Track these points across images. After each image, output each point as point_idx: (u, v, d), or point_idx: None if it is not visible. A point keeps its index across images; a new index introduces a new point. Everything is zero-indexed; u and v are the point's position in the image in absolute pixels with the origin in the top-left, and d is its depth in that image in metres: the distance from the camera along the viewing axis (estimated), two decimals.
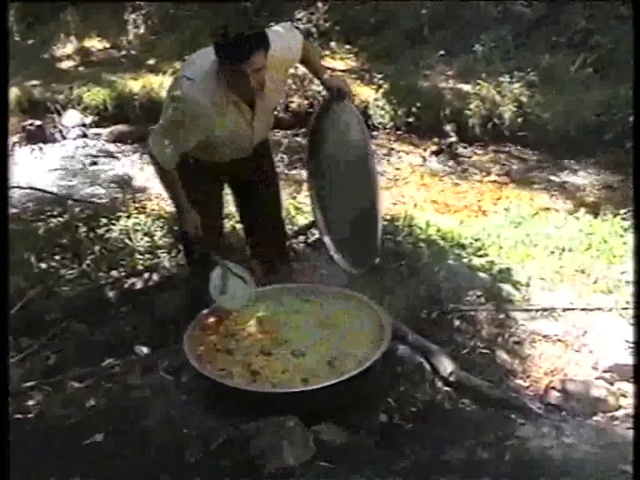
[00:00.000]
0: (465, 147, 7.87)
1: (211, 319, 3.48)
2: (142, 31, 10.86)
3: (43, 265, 4.76)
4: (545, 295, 4.12)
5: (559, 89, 8.00)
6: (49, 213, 5.79)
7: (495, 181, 7.16)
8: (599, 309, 3.93)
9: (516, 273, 4.34)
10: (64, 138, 8.57)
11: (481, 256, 4.60)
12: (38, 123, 8.45)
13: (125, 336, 3.93)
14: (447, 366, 3.35)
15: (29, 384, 3.46)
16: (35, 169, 7.56)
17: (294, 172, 7.13)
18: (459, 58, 8.93)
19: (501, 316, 3.90)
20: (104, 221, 5.33)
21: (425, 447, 2.85)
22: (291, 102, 8.43)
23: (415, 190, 6.94)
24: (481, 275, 4.32)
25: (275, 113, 4.44)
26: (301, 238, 4.93)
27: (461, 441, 2.87)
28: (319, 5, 10.11)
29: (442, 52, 9.11)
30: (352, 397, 3.07)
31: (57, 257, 4.87)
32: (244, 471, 2.69)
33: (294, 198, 5.93)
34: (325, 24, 9.95)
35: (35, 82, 9.41)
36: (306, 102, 8.42)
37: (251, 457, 2.74)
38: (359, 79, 8.78)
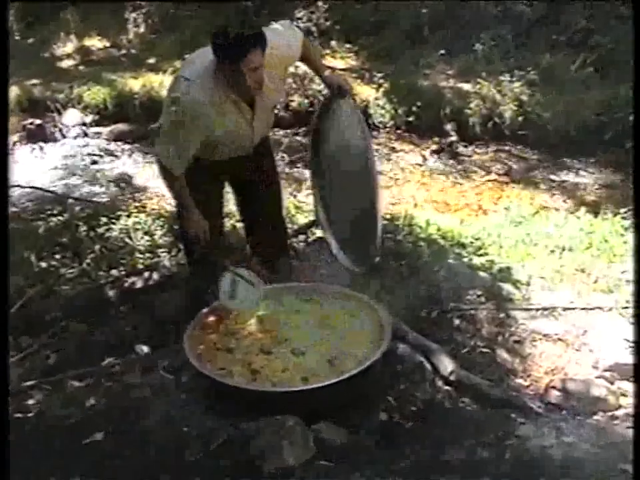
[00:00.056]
0: (465, 146, 7.87)
1: (211, 318, 3.48)
2: (142, 30, 10.86)
3: (43, 264, 4.76)
4: (545, 294, 4.12)
5: (559, 89, 7.99)
6: (49, 212, 5.79)
7: (495, 180, 7.15)
8: (599, 308, 3.92)
9: (516, 272, 4.34)
10: (64, 137, 8.57)
11: (481, 255, 4.59)
12: (38, 122, 8.46)
13: (124, 335, 3.93)
14: (447, 365, 3.35)
15: (28, 383, 3.46)
16: (35, 168, 7.56)
17: (294, 171, 7.14)
18: (459, 57, 8.93)
19: (501, 315, 3.90)
20: (104, 219, 5.33)
21: (425, 447, 2.85)
22: (292, 101, 8.43)
23: (415, 189, 6.94)
24: (481, 274, 4.31)
25: (275, 111, 4.44)
26: (301, 237, 4.93)
27: (461, 441, 2.87)
28: (319, 4, 10.11)
29: (442, 51, 9.11)
30: (352, 396, 3.07)
31: (57, 256, 4.87)
32: (244, 471, 2.69)
33: (294, 197, 5.93)
34: (325, 23, 9.95)
35: (35, 81, 9.40)
36: (306, 101, 8.42)
37: (250, 456, 2.74)
38: (360, 78, 8.77)
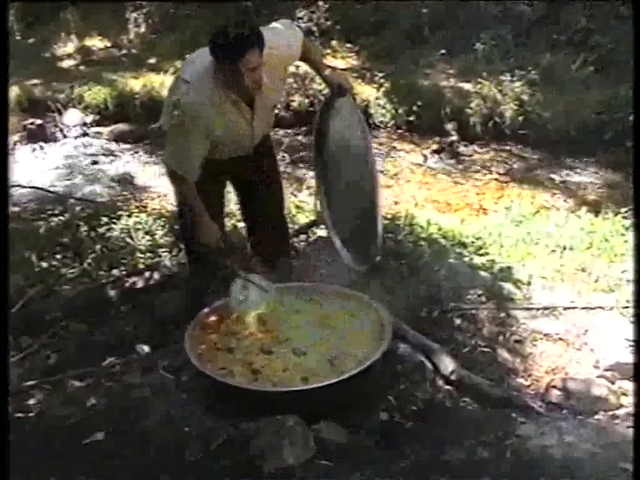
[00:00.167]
0: (466, 146, 7.87)
1: (212, 318, 3.48)
2: (143, 29, 10.85)
3: (44, 264, 4.76)
4: (546, 294, 4.12)
5: (559, 88, 8.00)
6: (49, 212, 5.80)
7: (496, 180, 7.16)
8: (600, 307, 3.92)
9: (517, 272, 4.33)
10: (65, 137, 8.57)
11: (481, 255, 4.59)
12: (39, 121, 8.46)
13: (125, 335, 3.92)
14: (448, 364, 3.35)
15: (29, 383, 3.46)
16: (36, 167, 7.56)
17: (295, 171, 7.14)
18: (460, 57, 8.92)
19: (502, 314, 3.90)
20: (105, 219, 5.33)
21: (425, 447, 2.85)
22: (292, 101, 8.43)
23: (416, 189, 6.95)
24: (482, 273, 4.31)
25: (276, 111, 4.44)
26: (302, 237, 4.93)
27: (461, 441, 2.86)
28: (320, 3, 10.10)
29: (443, 51, 9.11)
30: (352, 396, 3.07)
31: (58, 256, 4.86)
32: (244, 471, 2.69)
33: (295, 196, 5.93)
34: (325, 23, 9.95)
35: (35, 81, 9.40)
36: (307, 100, 8.42)
37: (251, 456, 2.73)
38: (360, 77, 8.77)
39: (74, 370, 3.56)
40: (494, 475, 2.62)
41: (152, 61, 9.95)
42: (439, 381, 3.32)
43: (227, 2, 9.99)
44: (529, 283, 4.21)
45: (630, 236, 4.70)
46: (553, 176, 7.17)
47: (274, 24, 3.68)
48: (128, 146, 8.28)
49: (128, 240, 5.04)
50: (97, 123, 8.78)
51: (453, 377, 3.30)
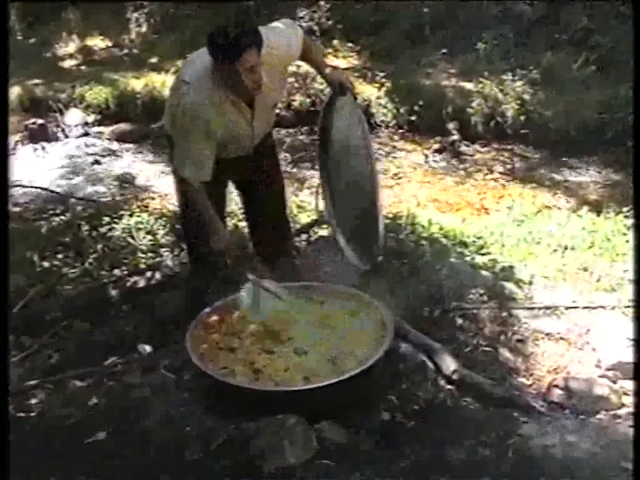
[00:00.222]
0: (468, 145, 7.87)
1: (213, 318, 3.47)
2: (144, 29, 10.87)
3: (46, 264, 4.76)
4: (548, 293, 4.11)
5: (560, 88, 8.00)
6: (51, 212, 5.81)
7: (497, 179, 7.16)
8: (602, 307, 3.91)
9: (518, 271, 4.32)
10: (66, 137, 8.59)
11: (483, 254, 4.58)
12: (40, 121, 8.47)
13: (125, 335, 3.92)
14: (449, 364, 3.34)
15: (30, 383, 3.46)
16: (38, 167, 7.57)
17: (296, 170, 7.14)
18: (461, 57, 8.92)
19: (504, 314, 3.89)
20: (106, 219, 5.33)
21: (426, 447, 2.84)
22: (293, 100, 8.44)
23: (417, 188, 6.95)
24: (484, 273, 4.30)
25: (277, 111, 4.44)
26: (303, 236, 4.92)
27: (462, 440, 2.85)
28: (321, 3, 10.10)
29: (444, 50, 9.11)
30: (354, 396, 3.06)
31: (60, 256, 4.86)
32: (244, 471, 2.69)
33: (296, 196, 5.93)
34: (326, 22, 9.95)
35: (37, 81, 9.42)
36: (308, 100, 8.42)
37: (251, 456, 2.73)
38: (362, 77, 8.77)
39: (74, 370, 3.56)
40: (494, 475, 2.61)
41: (153, 60, 9.96)
42: (441, 380, 3.31)
43: (227, 2, 9.99)
44: (530, 283, 4.21)
45: (632, 235, 4.69)
46: (554, 175, 7.17)
47: (274, 23, 3.68)
48: (129, 145, 8.29)
49: (129, 240, 5.04)
50: (99, 123, 8.80)
51: (454, 377, 3.29)
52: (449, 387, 3.29)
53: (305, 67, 7.25)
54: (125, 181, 7.13)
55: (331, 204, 4.24)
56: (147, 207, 6.03)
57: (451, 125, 7.94)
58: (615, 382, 3.34)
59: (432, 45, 9.35)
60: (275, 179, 4.03)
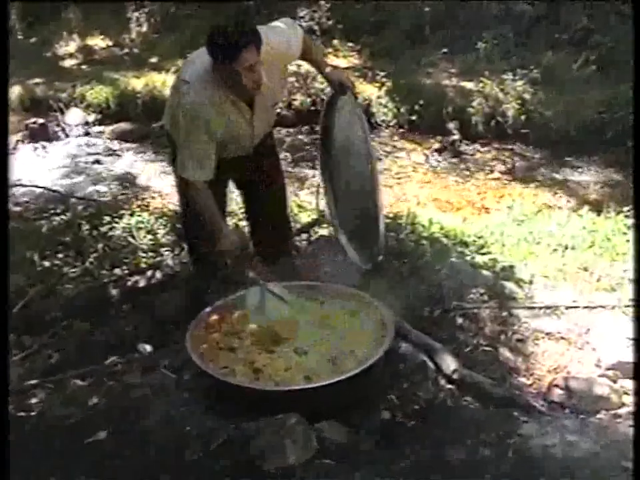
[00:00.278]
0: (468, 145, 7.88)
1: (214, 317, 3.47)
2: (144, 29, 10.88)
3: (46, 263, 4.75)
4: (548, 293, 4.11)
5: (560, 88, 8.00)
6: (52, 211, 5.81)
7: (497, 179, 7.16)
8: (602, 306, 3.91)
9: (519, 271, 4.32)
10: (67, 136, 8.60)
11: (483, 254, 4.58)
12: (41, 121, 8.48)
13: (125, 335, 3.91)
14: (449, 364, 3.34)
15: (30, 382, 3.45)
16: (38, 167, 7.58)
17: (297, 170, 7.14)
18: (461, 56, 8.93)
19: (504, 314, 3.89)
20: (107, 218, 5.33)
21: (426, 447, 2.84)
22: (294, 100, 8.44)
23: (418, 187, 6.95)
24: (484, 272, 4.30)
25: (278, 110, 4.44)
26: (304, 236, 4.92)
27: (463, 440, 2.85)
28: (321, 3, 10.11)
29: (445, 50, 9.11)
30: (354, 396, 3.06)
31: (60, 255, 4.86)
32: (244, 471, 2.68)
33: (296, 195, 5.93)
34: (327, 22, 9.96)
35: (37, 80, 9.43)
36: (309, 99, 8.43)
37: (251, 456, 2.73)
38: (362, 76, 8.78)
39: (75, 369, 3.56)
40: (495, 475, 2.61)
41: (153, 60, 9.97)
42: (441, 380, 3.31)
43: (227, 2, 9.99)
44: (530, 282, 4.20)
45: (631, 235, 4.69)
46: (554, 175, 7.17)
47: (275, 22, 3.68)
48: (130, 145, 8.30)
49: (130, 239, 5.04)
50: (99, 122, 8.82)
51: (454, 376, 3.29)
52: (449, 386, 3.28)
53: (305, 67, 7.27)
54: (126, 180, 7.15)
55: (333, 203, 4.25)
56: (147, 206, 6.03)
57: (451, 125, 7.94)
58: (615, 381, 3.34)
59: (432, 44, 9.36)
60: (275, 178, 4.03)
